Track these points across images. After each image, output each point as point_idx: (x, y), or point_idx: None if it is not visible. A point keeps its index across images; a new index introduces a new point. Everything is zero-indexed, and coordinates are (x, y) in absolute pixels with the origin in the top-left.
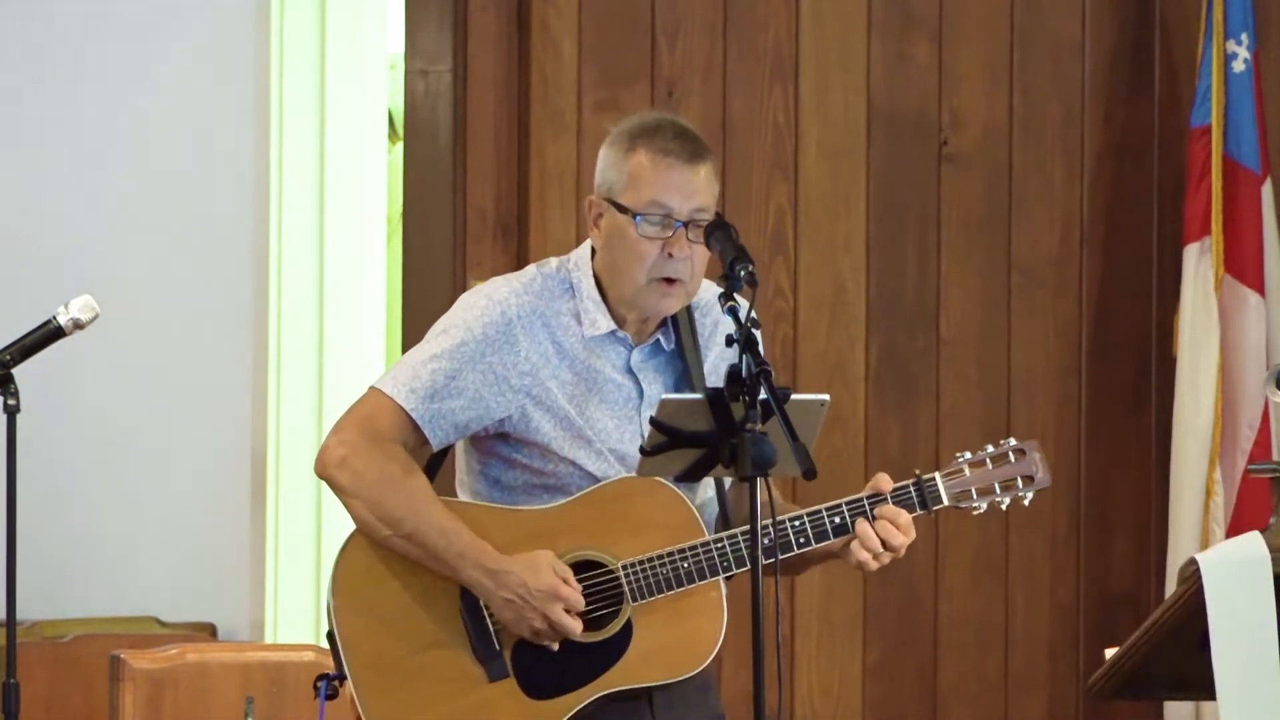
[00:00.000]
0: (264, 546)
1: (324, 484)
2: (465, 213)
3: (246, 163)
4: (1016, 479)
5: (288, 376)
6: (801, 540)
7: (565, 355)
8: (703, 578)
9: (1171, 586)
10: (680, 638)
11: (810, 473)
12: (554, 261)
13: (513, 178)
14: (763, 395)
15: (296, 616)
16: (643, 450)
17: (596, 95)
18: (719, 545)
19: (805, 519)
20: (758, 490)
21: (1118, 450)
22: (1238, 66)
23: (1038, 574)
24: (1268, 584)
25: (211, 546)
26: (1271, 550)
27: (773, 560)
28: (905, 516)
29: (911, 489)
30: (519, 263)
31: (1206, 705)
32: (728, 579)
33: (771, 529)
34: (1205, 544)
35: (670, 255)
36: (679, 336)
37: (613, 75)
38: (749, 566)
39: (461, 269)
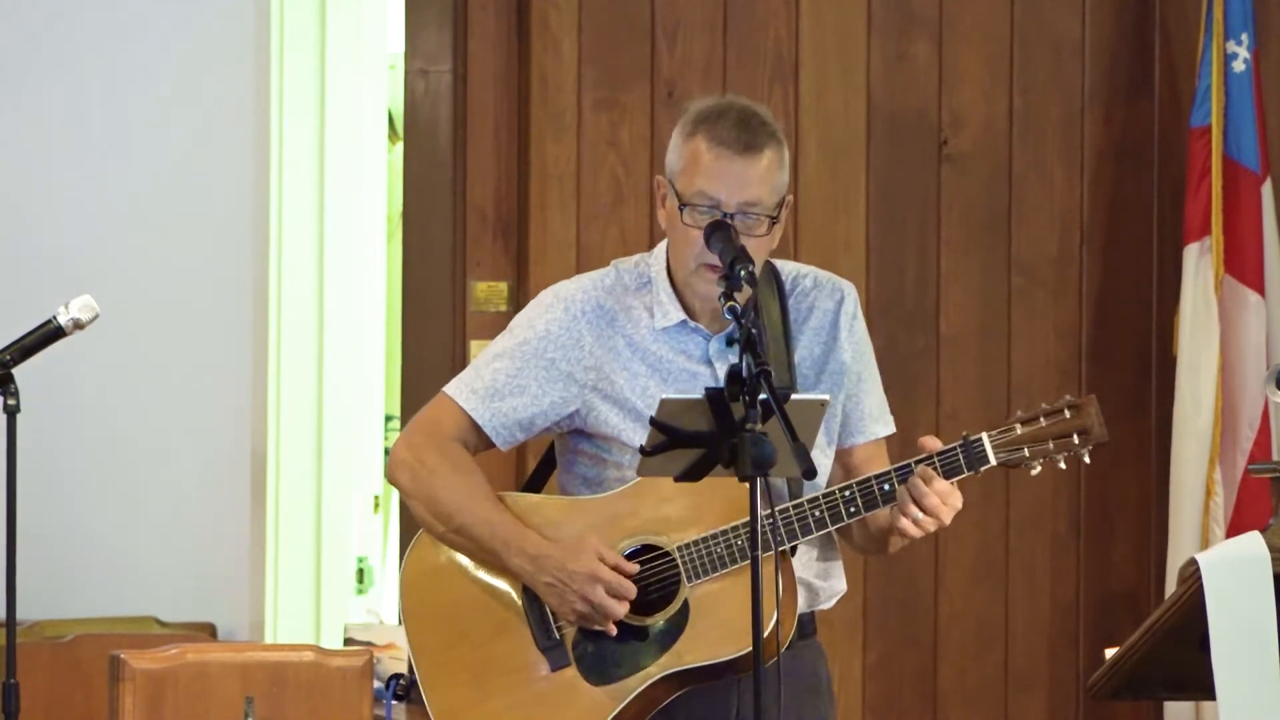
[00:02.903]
0: (264, 546)
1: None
2: (465, 213)
3: (247, 162)
4: (1072, 435)
5: (288, 376)
6: (852, 510)
7: (636, 349)
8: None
9: (1171, 586)
10: (737, 614)
11: (810, 473)
12: (636, 256)
13: (513, 178)
14: (763, 395)
15: (296, 616)
16: (643, 450)
17: (596, 95)
18: (771, 520)
19: (855, 488)
20: (758, 490)
21: (1118, 450)
22: (1238, 66)
23: (1038, 574)
24: (1268, 584)
25: (211, 546)
26: (1271, 550)
27: (783, 547)
28: (940, 481)
29: (959, 450)
30: (519, 263)
31: (1206, 705)
32: (789, 551)
33: (822, 501)
34: (1205, 544)
35: None
36: (759, 320)
37: (613, 75)
38: (805, 536)
39: (461, 269)
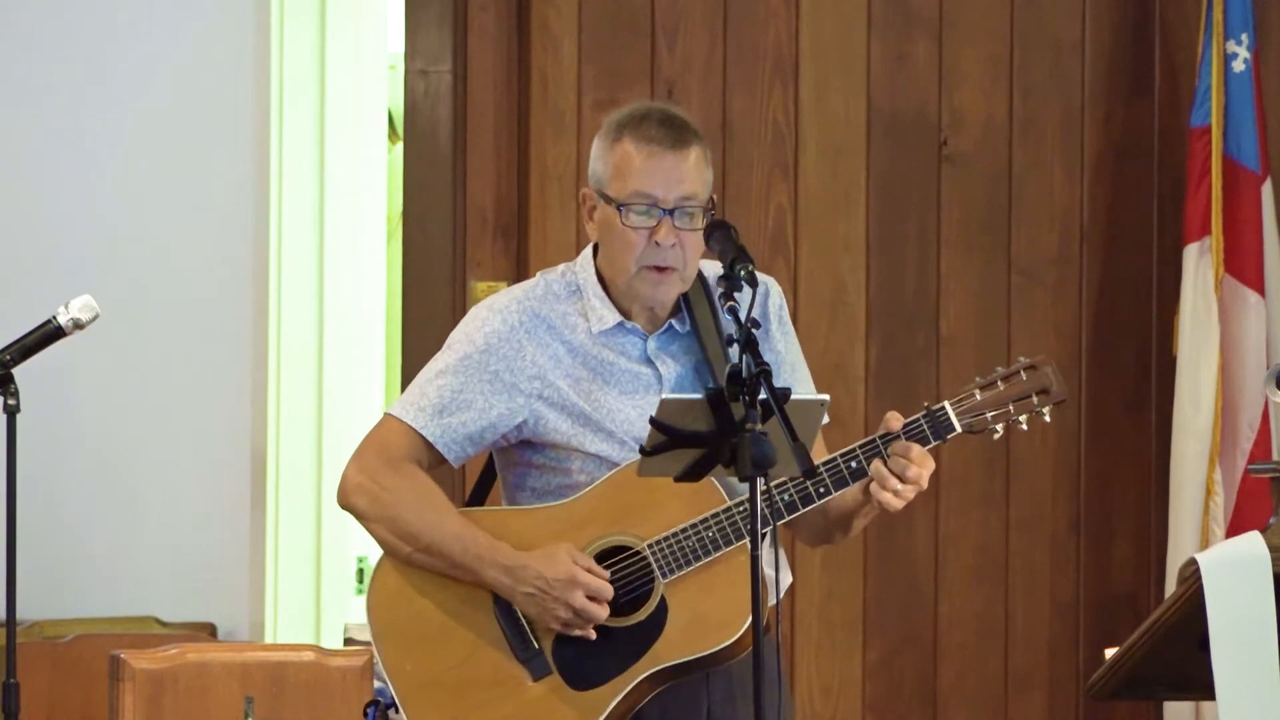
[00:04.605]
0: (264, 546)
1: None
2: (465, 213)
3: (246, 163)
4: (1031, 395)
5: (288, 377)
6: (821, 490)
7: (576, 353)
8: (728, 543)
9: (1171, 586)
10: (714, 607)
11: (810, 473)
12: (560, 267)
13: (513, 178)
14: (763, 395)
15: (296, 616)
16: (643, 450)
17: (596, 95)
18: (740, 509)
19: (823, 469)
20: (758, 490)
21: (1118, 450)
22: (1238, 66)
23: (1038, 574)
24: (1268, 584)
25: (211, 546)
26: (1271, 550)
27: (776, 523)
28: (917, 448)
29: (923, 420)
30: (519, 263)
31: (1206, 705)
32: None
33: (790, 485)
34: (1205, 544)
35: (657, 244)
36: (693, 318)
37: (613, 75)
38: (777, 521)
39: (461, 269)
